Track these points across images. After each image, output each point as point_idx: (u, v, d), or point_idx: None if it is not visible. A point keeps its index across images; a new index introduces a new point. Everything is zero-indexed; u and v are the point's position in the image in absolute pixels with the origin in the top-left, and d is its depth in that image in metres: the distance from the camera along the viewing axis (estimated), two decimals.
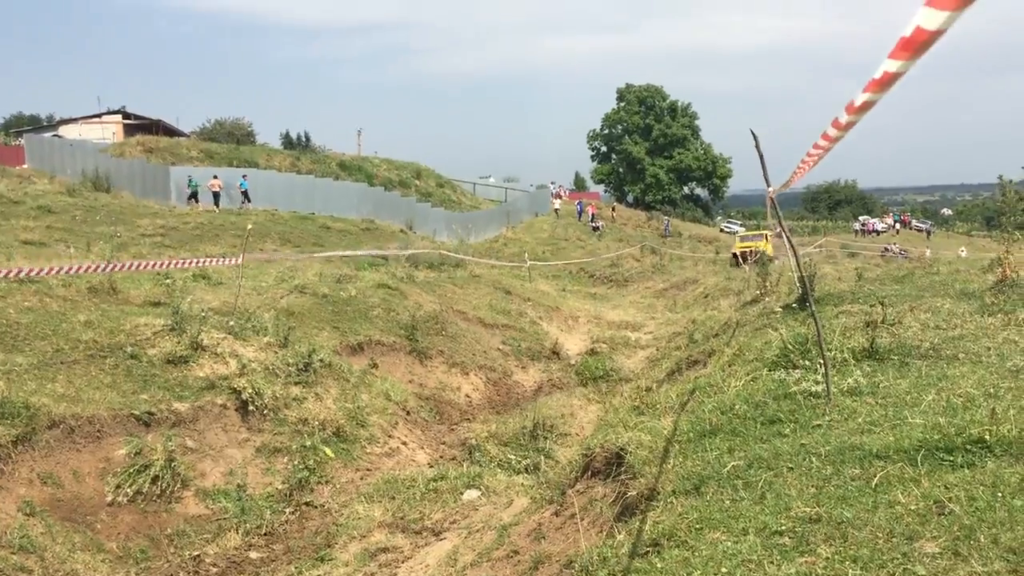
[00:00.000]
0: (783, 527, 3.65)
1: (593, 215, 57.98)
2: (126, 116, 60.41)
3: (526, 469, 9.94)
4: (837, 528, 3.52)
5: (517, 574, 5.81)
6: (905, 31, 2.51)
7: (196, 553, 7.93)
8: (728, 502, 4.16)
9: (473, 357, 15.65)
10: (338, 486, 9.52)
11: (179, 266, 13.75)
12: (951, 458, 4.04)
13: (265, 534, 8.45)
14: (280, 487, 9.26)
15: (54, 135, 55.23)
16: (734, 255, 38.15)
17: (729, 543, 3.66)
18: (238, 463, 9.38)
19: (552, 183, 78.61)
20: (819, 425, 5.02)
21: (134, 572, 7.43)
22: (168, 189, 35.49)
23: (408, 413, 12.25)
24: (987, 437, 4.12)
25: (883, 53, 2.78)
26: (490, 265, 28.73)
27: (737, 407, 5.83)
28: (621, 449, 6.01)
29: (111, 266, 11.35)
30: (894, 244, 55.65)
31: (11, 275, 10.24)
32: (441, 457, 11.12)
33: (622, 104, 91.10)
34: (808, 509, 3.75)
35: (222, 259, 14.70)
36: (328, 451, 9.96)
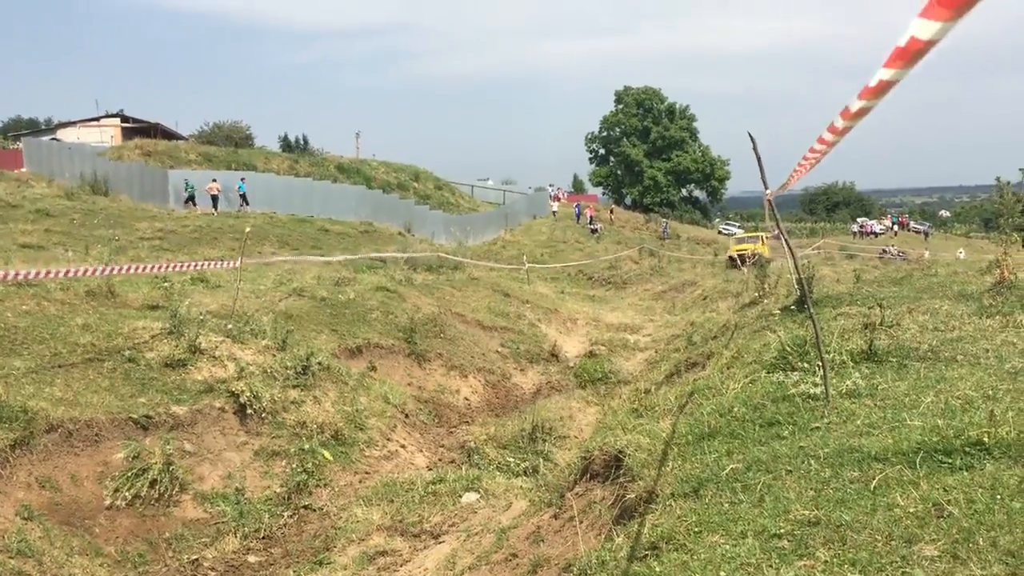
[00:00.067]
0: (782, 530, 3.65)
1: (591, 217, 57.97)
2: (124, 119, 60.36)
3: (525, 472, 9.94)
4: (836, 531, 3.52)
5: None
6: (900, 41, 2.52)
7: (194, 557, 7.91)
8: (727, 505, 4.16)
9: (472, 360, 15.65)
10: (337, 489, 9.51)
11: (177, 269, 13.74)
12: (950, 460, 4.03)
13: (263, 538, 8.44)
14: (278, 490, 9.25)
15: (52, 138, 55.17)
16: (730, 258, 38.20)
17: (728, 546, 3.66)
18: (236, 466, 9.36)
19: (550, 185, 78.64)
20: (818, 427, 5.02)
21: None
22: (166, 192, 35.49)
23: (407, 416, 12.24)
24: (986, 439, 4.12)
25: (882, 55, 2.78)
26: (488, 267, 28.73)
27: (736, 409, 5.83)
28: (620, 452, 6.00)
29: (109, 269, 11.34)
30: (892, 246, 55.68)
31: (9, 278, 10.22)
32: (440, 460, 11.11)
33: (620, 106, 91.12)
34: (807, 512, 3.74)
35: (220, 262, 14.69)
36: (326, 454, 9.95)
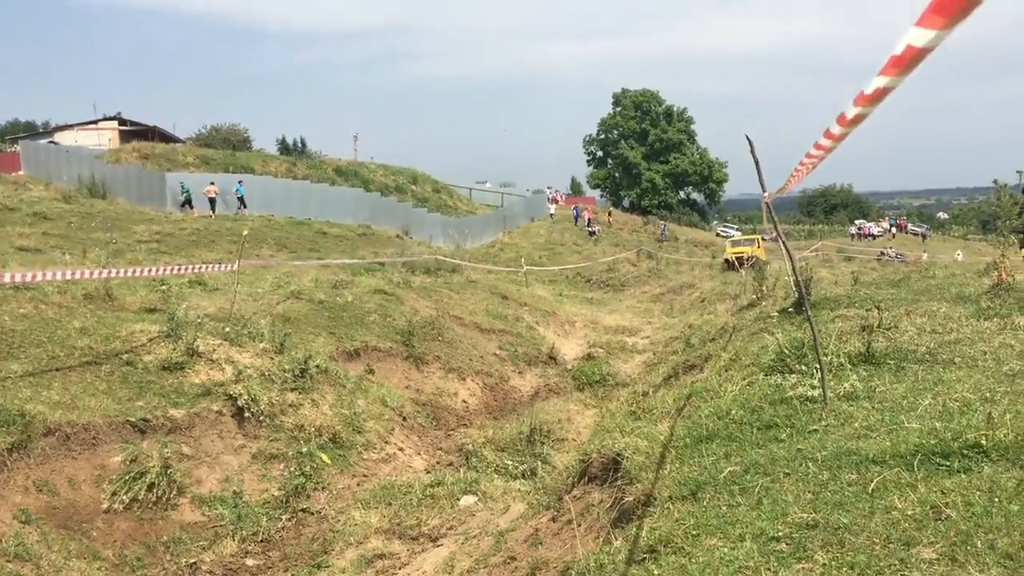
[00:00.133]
0: (780, 533, 3.65)
1: (589, 220, 58.00)
2: (122, 122, 60.31)
3: (523, 475, 9.94)
4: (834, 534, 3.51)
5: None
6: (896, 49, 2.53)
7: (192, 560, 7.91)
8: (725, 508, 4.15)
9: (470, 362, 15.64)
10: (335, 492, 9.50)
11: (175, 272, 13.74)
12: (948, 463, 4.03)
13: (261, 541, 8.43)
14: (276, 494, 9.24)
15: (50, 141, 55.12)
16: (726, 260, 38.27)
17: (726, 549, 3.65)
18: (234, 470, 9.35)
19: (548, 188, 78.67)
20: (816, 430, 5.02)
21: None
22: (164, 195, 35.46)
23: (405, 419, 12.24)
24: (983, 442, 4.12)
25: (882, 56, 2.78)
26: (486, 270, 28.73)
27: (734, 412, 5.82)
28: (618, 455, 6.00)
29: (107, 272, 11.33)
30: (890, 248, 55.77)
31: (6, 282, 10.21)
32: (438, 463, 11.10)
33: (618, 109, 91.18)
34: (805, 515, 3.74)
35: (218, 265, 14.68)
36: (324, 457, 9.94)
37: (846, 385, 5.80)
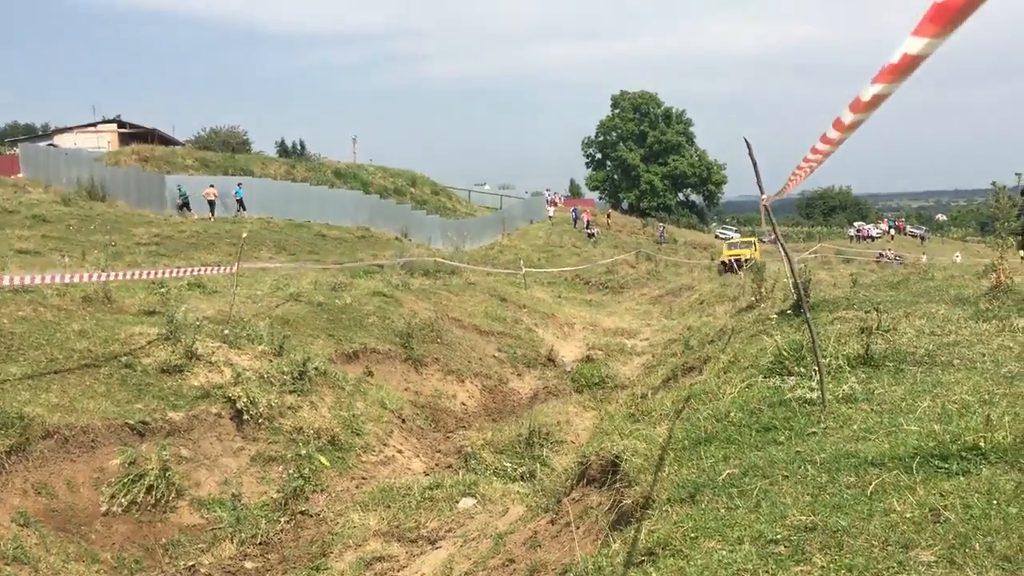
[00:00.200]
0: (778, 536, 3.65)
1: (588, 222, 57.99)
2: (121, 125, 60.32)
3: (522, 477, 9.93)
4: (832, 536, 3.51)
5: None
6: (892, 58, 2.54)
7: (191, 563, 7.90)
8: (723, 510, 4.15)
9: (469, 364, 15.64)
10: (333, 495, 9.49)
11: (174, 275, 13.74)
12: (946, 465, 4.03)
13: (260, 543, 8.42)
14: (275, 496, 9.23)
15: (49, 144, 55.13)
16: (723, 263, 38.31)
17: (724, 552, 3.65)
18: (233, 472, 9.35)
19: (547, 190, 78.71)
20: (814, 432, 5.02)
21: None
22: (163, 198, 35.47)
23: (403, 421, 12.23)
24: (982, 444, 4.12)
25: (881, 57, 2.79)
26: (485, 272, 28.74)
27: (732, 414, 5.82)
28: (616, 457, 6.00)
29: (106, 275, 11.33)
30: (889, 250, 55.80)
31: (5, 284, 10.21)
32: (437, 465, 11.10)
33: (617, 111, 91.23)
34: (803, 517, 3.74)
35: (217, 268, 14.68)
36: (323, 460, 9.94)
37: (845, 387, 5.80)
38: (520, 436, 11.02)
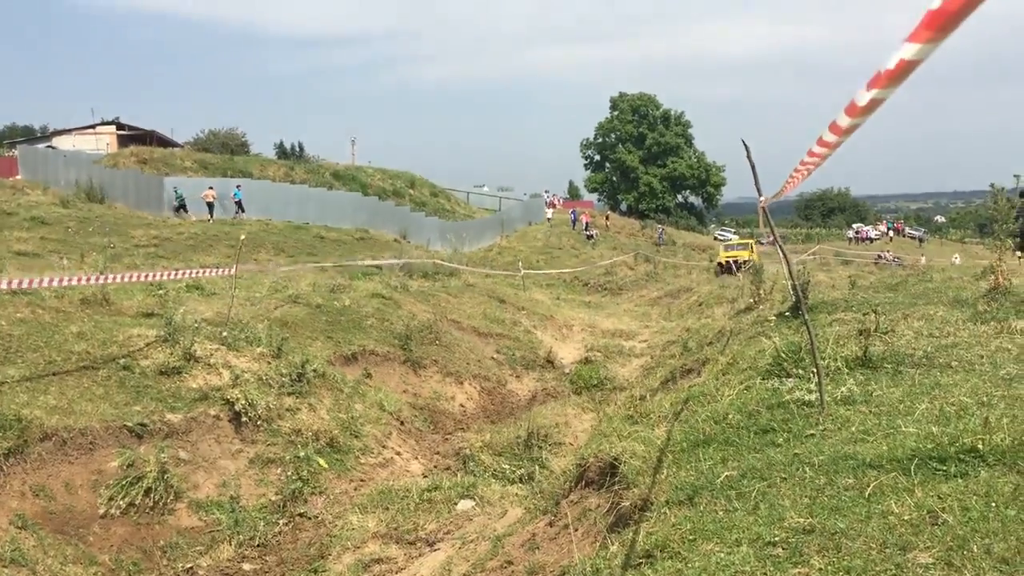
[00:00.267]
0: (776, 538, 3.64)
1: (587, 224, 57.98)
2: (120, 127, 60.34)
3: (520, 479, 9.93)
4: (830, 539, 3.51)
5: None
6: (887, 64, 2.54)
7: (189, 565, 7.90)
8: (721, 513, 4.15)
9: (467, 366, 15.63)
10: (332, 497, 9.49)
11: (172, 277, 13.73)
12: (944, 467, 4.03)
13: (258, 546, 8.42)
14: (273, 498, 9.23)
15: (48, 146, 55.17)
16: (719, 264, 38.36)
17: (722, 554, 3.65)
18: (231, 474, 9.34)
19: (546, 192, 78.73)
20: (812, 434, 5.02)
21: None
22: (162, 200, 35.46)
23: (402, 423, 12.22)
24: (980, 446, 4.12)
25: (879, 58, 2.79)
26: (484, 274, 28.75)
27: (730, 416, 5.82)
28: (615, 459, 6.00)
29: (104, 277, 11.32)
30: (887, 251, 55.81)
31: (3, 287, 10.20)
32: (435, 467, 11.09)
33: (615, 113, 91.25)
34: (801, 519, 3.74)
35: (215, 269, 14.67)
36: (322, 462, 9.93)
37: (843, 389, 5.80)
38: (519, 438, 11.02)
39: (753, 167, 5.14)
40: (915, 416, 4.94)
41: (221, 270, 14.40)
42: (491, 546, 6.79)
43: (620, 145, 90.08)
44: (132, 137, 57.74)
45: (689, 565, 3.68)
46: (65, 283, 10.89)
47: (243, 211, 36.30)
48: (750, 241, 43.61)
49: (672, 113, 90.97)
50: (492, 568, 6.26)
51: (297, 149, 61.65)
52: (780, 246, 6.60)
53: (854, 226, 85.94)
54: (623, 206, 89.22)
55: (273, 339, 11.90)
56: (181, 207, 34.94)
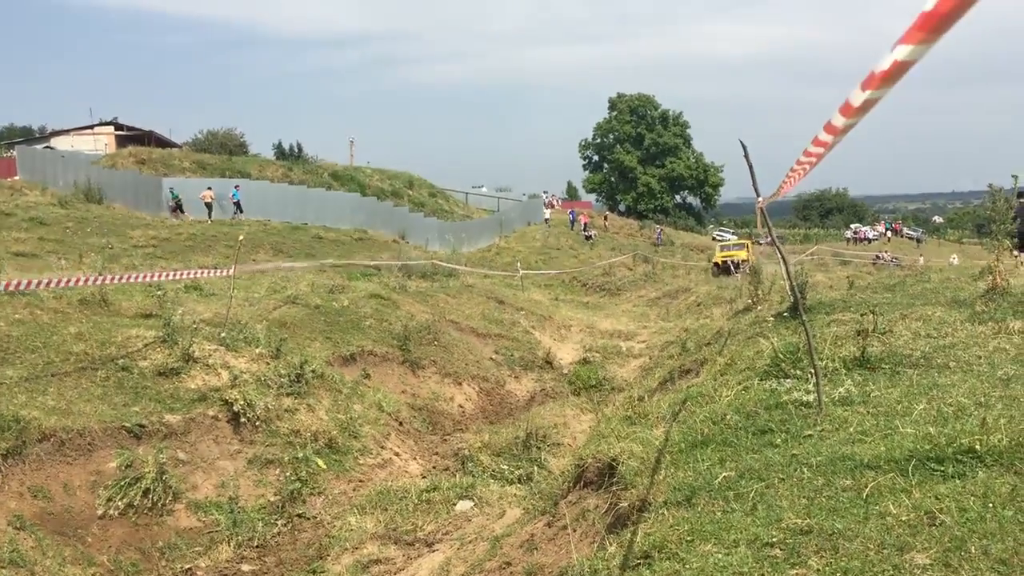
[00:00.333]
0: (774, 539, 3.65)
1: (585, 224, 58.00)
2: (118, 127, 60.31)
3: (519, 479, 9.94)
4: (828, 539, 3.52)
5: None
6: (881, 65, 2.55)
7: (188, 566, 7.90)
8: (719, 513, 4.15)
9: (466, 367, 15.63)
10: (330, 498, 9.49)
11: (171, 277, 13.73)
12: (942, 468, 4.03)
13: (257, 546, 8.41)
14: (272, 499, 9.23)
15: (46, 147, 55.12)
16: (715, 264, 38.39)
17: (720, 555, 3.65)
18: (230, 475, 9.34)
19: (545, 192, 78.75)
20: (810, 435, 5.02)
21: None
22: (160, 200, 35.48)
23: (401, 424, 12.23)
24: (978, 447, 4.12)
25: (878, 58, 2.80)
26: (483, 274, 28.74)
27: (728, 417, 5.82)
28: (613, 460, 6.00)
29: (102, 278, 11.31)
30: (885, 252, 55.82)
31: (1, 288, 10.19)
32: (434, 468, 11.09)
33: (614, 113, 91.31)
34: (799, 520, 3.74)
35: (214, 270, 14.67)
36: (320, 462, 9.93)
37: (841, 390, 5.80)
38: (517, 438, 11.03)
39: (751, 168, 5.15)
40: (913, 417, 4.94)
41: (219, 271, 14.40)
42: (489, 547, 6.79)
43: (618, 145, 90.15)
44: (130, 137, 57.71)
45: (687, 566, 3.68)
46: (63, 284, 10.89)
47: (241, 211, 36.29)
48: (746, 241, 43.66)
49: (670, 113, 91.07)
50: (490, 569, 6.26)
51: (295, 149, 61.59)
52: (778, 247, 6.61)
53: (852, 226, 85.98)
54: (621, 206, 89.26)
55: (272, 340, 11.91)
56: (177, 208, 34.93)
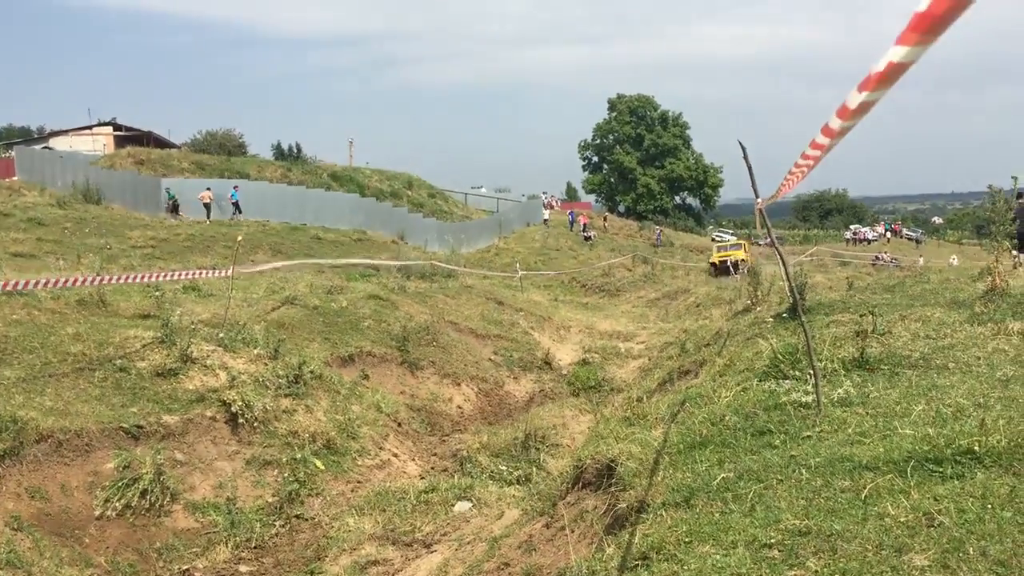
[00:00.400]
0: (772, 540, 3.64)
1: (585, 225, 58.00)
2: (117, 128, 60.27)
3: (518, 480, 9.92)
4: (827, 541, 3.51)
5: None
6: (877, 67, 2.55)
7: (185, 567, 7.88)
8: (718, 515, 4.14)
9: (465, 368, 15.62)
10: (328, 499, 9.47)
11: (169, 278, 13.71)
12: (940, 469, 4.03)
13: (255, 547, 8.40)
14: (270, 500, 9.21)
15: (44, 147, 55.10)
16: (712, 264, 38.44)
17: (718, 556, 3.64)
18: (228, 476, 9.32)
19: (544, 193, 78.73)
20: (809, 436, 5.01)
21: None
22: (159, 201, 35.47)
23: (399, 424, 12.21)
24: (976, 448, 4.12)
25: (876, 57, 2.79)
26: (482, 275, 28.74)
27: (727, 418, 5.81)
28: (612, 461, 5.99)
29: (100, 278, 11.30)
30: (885, 253, 55.85)
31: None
32: (432, 469, 11.08)
33: (613, 114, 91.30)
34: (798, 522, 3.73)
35: (212, 271, 14.66)
36: (318, 463, 9.92)
37: (840, 391, 5.80)
38: (516, 439, 11.01)
39: (750, 169, 5.14)
40: (911, 418, 4.94)
41: (218, 271, 14.38)
42: (488, 548, 6.79)
43: (618, 146, 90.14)
44: (129, 138, 57.67)
45: (685, 567, 3.67)
46: (61, 284, 10.87)
47: (240, 212, 36.28)
48: (743, 241, 43.73)
49: (670, 114, 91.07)
50: (489, 570, 6.25)
51: (294, 150, 61.56)
52: (777, 248, 6.60)
53: (852, 227, 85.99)
54: (621, 207, 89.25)
55: (270, 340, 11.89)
56: (174, 208, 34.93)
